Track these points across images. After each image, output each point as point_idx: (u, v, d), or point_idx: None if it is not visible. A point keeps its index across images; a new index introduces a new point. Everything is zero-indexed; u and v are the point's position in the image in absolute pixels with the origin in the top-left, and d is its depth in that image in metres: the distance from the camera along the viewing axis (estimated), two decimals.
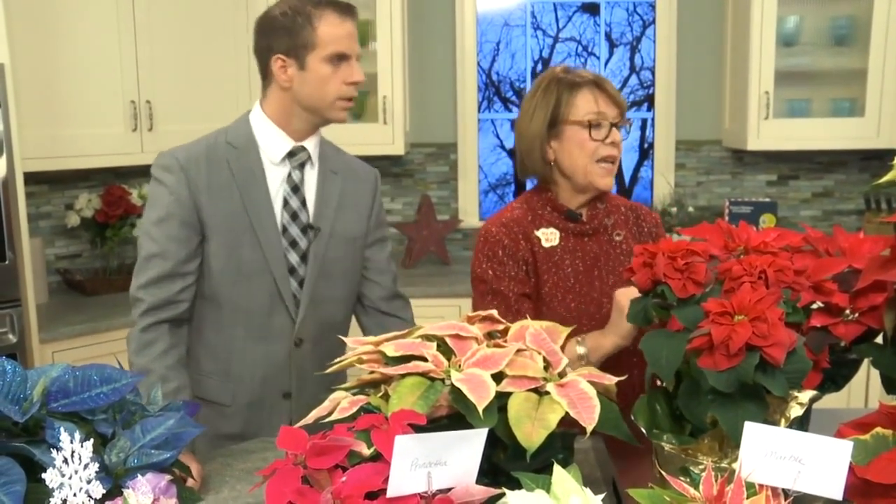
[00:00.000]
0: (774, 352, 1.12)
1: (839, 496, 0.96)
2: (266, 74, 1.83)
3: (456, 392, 1.13)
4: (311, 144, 1.86)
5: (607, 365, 1.78)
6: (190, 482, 1.29)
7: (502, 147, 4.52)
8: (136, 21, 3.22)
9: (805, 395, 1.23)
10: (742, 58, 3.59)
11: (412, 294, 3.50)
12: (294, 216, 1.84)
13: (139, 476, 0.97)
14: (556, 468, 1.02)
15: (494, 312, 1.36)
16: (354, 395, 1.23)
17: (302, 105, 1.81)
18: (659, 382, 1.33)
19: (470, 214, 4.01)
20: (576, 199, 1.83)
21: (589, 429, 1.13)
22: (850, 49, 3.57)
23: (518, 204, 1.87)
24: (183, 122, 3.26)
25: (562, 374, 1.24)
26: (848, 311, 1.34)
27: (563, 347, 1.30)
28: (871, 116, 3.49)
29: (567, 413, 1.14)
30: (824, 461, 0.95)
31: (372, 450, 1.05)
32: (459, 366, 1.19)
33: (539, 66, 4.44)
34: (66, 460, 0.86)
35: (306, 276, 1.85)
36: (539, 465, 1.15)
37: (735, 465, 1.00)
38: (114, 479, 1.02)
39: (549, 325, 1.33)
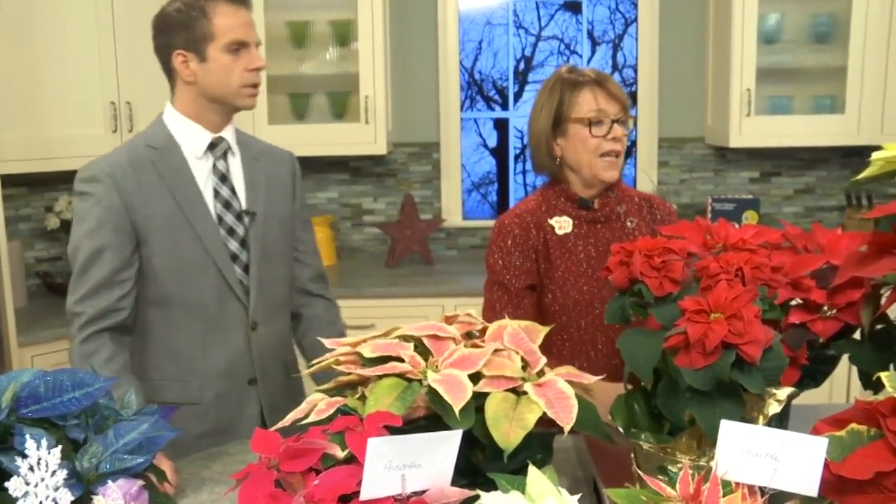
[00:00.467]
0: (750, 349, 1.12)
1: (815, 493, 0.96)
2: (170, 72, 1.85)
3: (433, 393, 1.13)
4: (228, 134, 1.90)
5: (600, 365, 1.79)
6: (167, 487, 1.28)
7: (485, 146, 4.51)
8: (116, 22, 3.18)
9: (783, 392, 1.23)
10: (724, 55, 3.60)
11: (395, 294, 3.53)
12: (227, 205, 1.87)
13: (109, 482, 0.96)
14: (532, 469, 1.02)
15: (473, 311, 1.37)
16: (332, 396, 1.23)
17: (209, 97, 1.83)
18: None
19: (453, 214, 4.00)
20: (586, 192, 1.90)
21: (566, 428, 1.13)
22: (830, 46, 3.58)
23: (534, 196, 1.95)
24: None
25: (540, 374, 1.24)
26: (826, 308, 1.34)
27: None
28: (852, 113, 3.51)
29: (545, 413, 1.14)
30: (800, 458, 0.96)
31: (346, 452, 1.04)
32: (437, 366, 1.19)
33: (521, 65, 4.43)
34: (31, 468, 0.85)
35: (251, 261, 1.88)
36: (517, 465, 1.14)
37: (713, 464, 1.00)
38: (85, 486, 1.01)
39: (528, 325, 1.33)
